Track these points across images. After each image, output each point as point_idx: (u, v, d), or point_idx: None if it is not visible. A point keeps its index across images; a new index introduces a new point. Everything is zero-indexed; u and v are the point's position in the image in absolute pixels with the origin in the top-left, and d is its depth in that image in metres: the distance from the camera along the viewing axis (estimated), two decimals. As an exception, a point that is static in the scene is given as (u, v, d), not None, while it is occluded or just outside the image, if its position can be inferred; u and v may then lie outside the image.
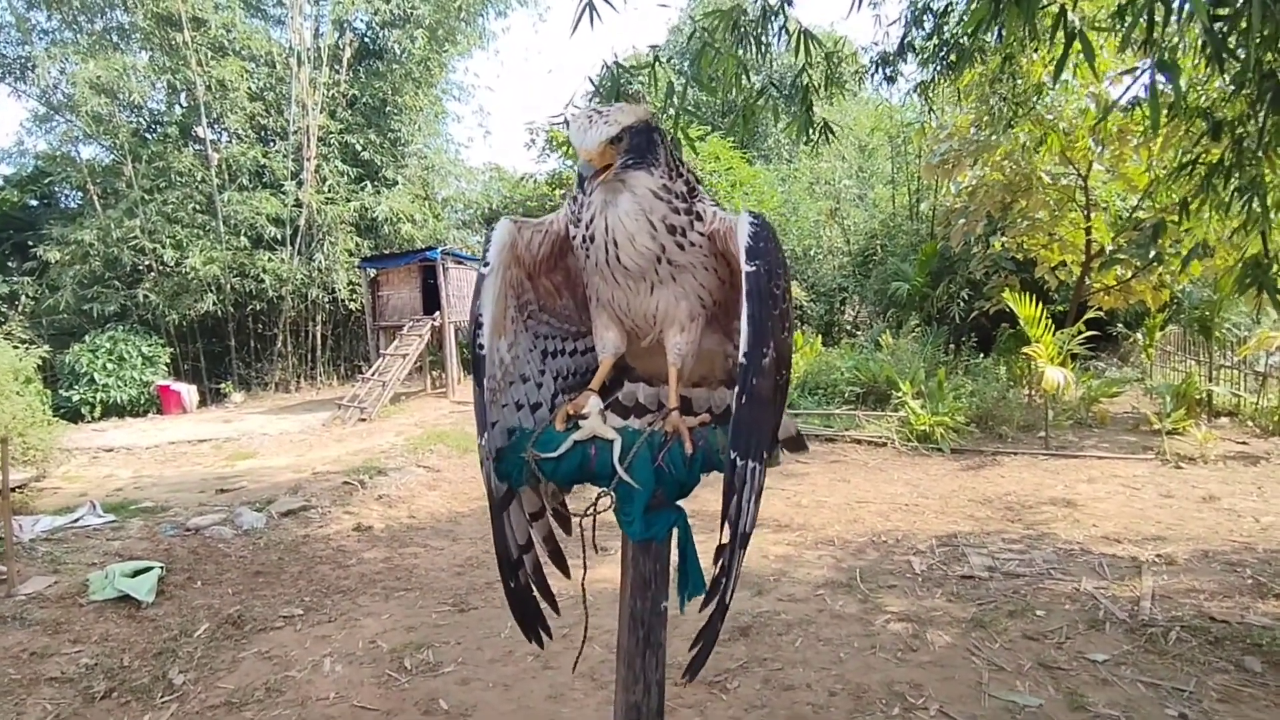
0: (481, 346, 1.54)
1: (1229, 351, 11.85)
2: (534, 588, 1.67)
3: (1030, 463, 8.99)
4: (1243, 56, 2.99)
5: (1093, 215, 12.49)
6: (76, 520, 6.78)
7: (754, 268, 1.38)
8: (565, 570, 1.75)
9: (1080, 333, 11.11)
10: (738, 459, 1.33)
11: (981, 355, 13.55)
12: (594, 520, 1.48)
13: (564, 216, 1.60)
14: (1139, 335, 14.40)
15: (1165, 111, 4.77)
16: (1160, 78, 3.01)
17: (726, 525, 1.39)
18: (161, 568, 5.48)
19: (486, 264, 1.56)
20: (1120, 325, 15.25)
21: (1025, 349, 10.56)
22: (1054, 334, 10.55)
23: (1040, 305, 10.75)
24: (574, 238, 1.55)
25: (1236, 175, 4.27)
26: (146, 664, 4.26)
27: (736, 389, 1.35)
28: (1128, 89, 5.25)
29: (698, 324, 1.60)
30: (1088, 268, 12.73)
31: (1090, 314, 12.08)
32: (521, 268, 1.65)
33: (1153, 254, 4.95)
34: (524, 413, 1.69)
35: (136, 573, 5.30)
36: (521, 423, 1.67)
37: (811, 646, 4.23)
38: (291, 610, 5.03)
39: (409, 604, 5.17)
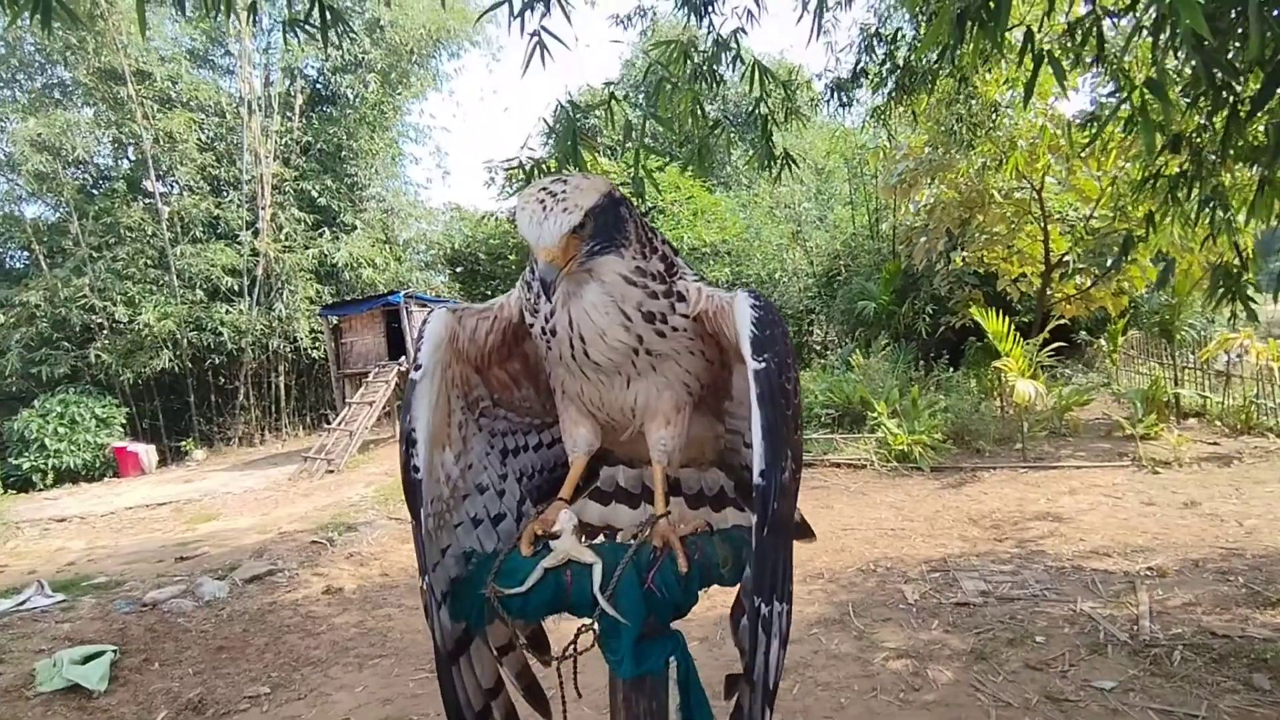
0: (416, 470, 1.25)
1: (1190, 353, 12.06)
2: None
3: (1011, 476, 8.95)
4: (1213, 73, 2.96)
5: (1049, 226, 12.72)
6: (23, 603, 6.34)
7: (763, 364, 1.14)
8: (546, 713, 1.47)
9: (1047, 342, 11.22)
10: (762, 605, 1.10)
11: (951, 369, 13.62)
12: (574, 661, 1.27)
13: (516, 300, 1.38)
14: (1102, 341, 14.63)
15: (1122, 125, 4.75)
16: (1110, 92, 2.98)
17: (745, 685, 1.18)
18: (115, 651, 5.11)
19: (418, 366, 1.30)
20: (1083, 332, 15.47)
21: (995, 363, 10.62)
22: (1022, 345, 10.64)
23: (1006, 318, 10.85)
24: (531, 327, 1.34)
25: (1198, 186, 4.29)
26: (98, 764, 3.92)
27: (756, 519, 1.11)
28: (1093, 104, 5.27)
29: (684, 414, 1.39)
30: (1048, 278, 12.93)
31: (1053, 323, 12.24)
32: (465, 363, 1.42)
33: (1124, 261, 4.95)
34: (484, 529, 1.44)
35: (87, 658, 4.92)
36: (482, 542, 1.42)
37: (810, 693, 4.05)
38: (257, 689, 4.71)
39: (384, 673, 4.87)
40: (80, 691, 4.61)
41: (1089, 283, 12.98)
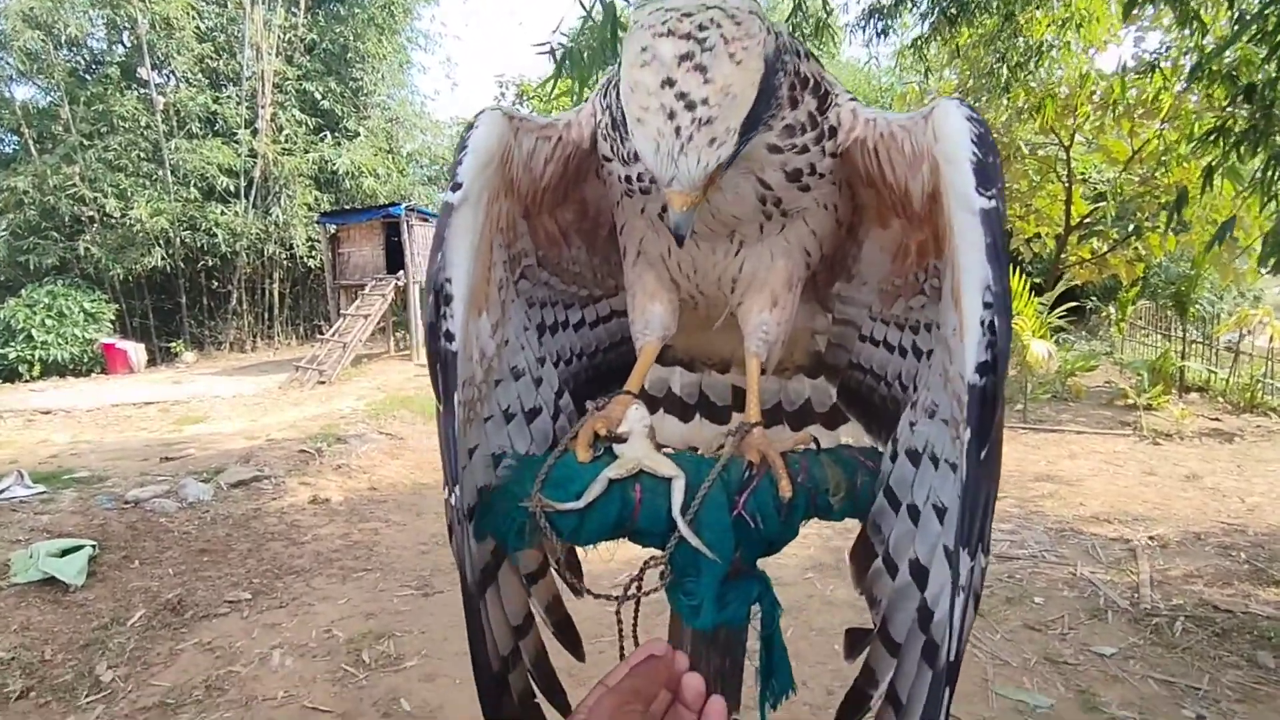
0: (450, 336, 0.89)
1: (1199, 327, 11.87)
2: (538, 690, 1.06)
3: (1010, 436, 8.84)
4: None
5: (1073, 187, 12.34)
6: (1, 492, 6.22)
7: (991, 201, 0.78)
8: (578, 651, 1.14)
9: (1058, 303, 11.01)
10: (965, 555, 0.79)
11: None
12: (637, 605, 0.98)
13: (588, 120, 1.01)
14: (1110, 309, 14.42)
15: (1185, 75, 4.40)
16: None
17: (878, 643, 0.93)
18: (93, 546, 5.00)
19: (458, 186, 0.90)
20: (1093, 298, 15.24)
21: (1005, 320, 10.41)
22: (1034, 305, 10.42)
23: (1022, 277, 10.59)
24: (606, 171, 1.00)
25: (1265, 144, 4.00)
26: (71, 657, 3.83)
27: (968, 434, 0.77)
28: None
29: (795, 294, 1.08)
30: (1065, 240, 12.62)
31: (1063, 286, 11.99)
32: (516, 199, 1.04)
33: (1176, 217, 4.69)
34: (516, 426, 1.08)
35: (65, 552, 4.80)
36: (512, 441, 1.07)
37: (804, 637, 3.96)
38: (238, 594, 4.61)
39: (368, 586, 4.78)
40: (56, 585, 4.50)
41: (1105, 248, 12.69)
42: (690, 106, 0.75)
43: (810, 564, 4.98)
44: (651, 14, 0.79)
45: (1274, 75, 4.12)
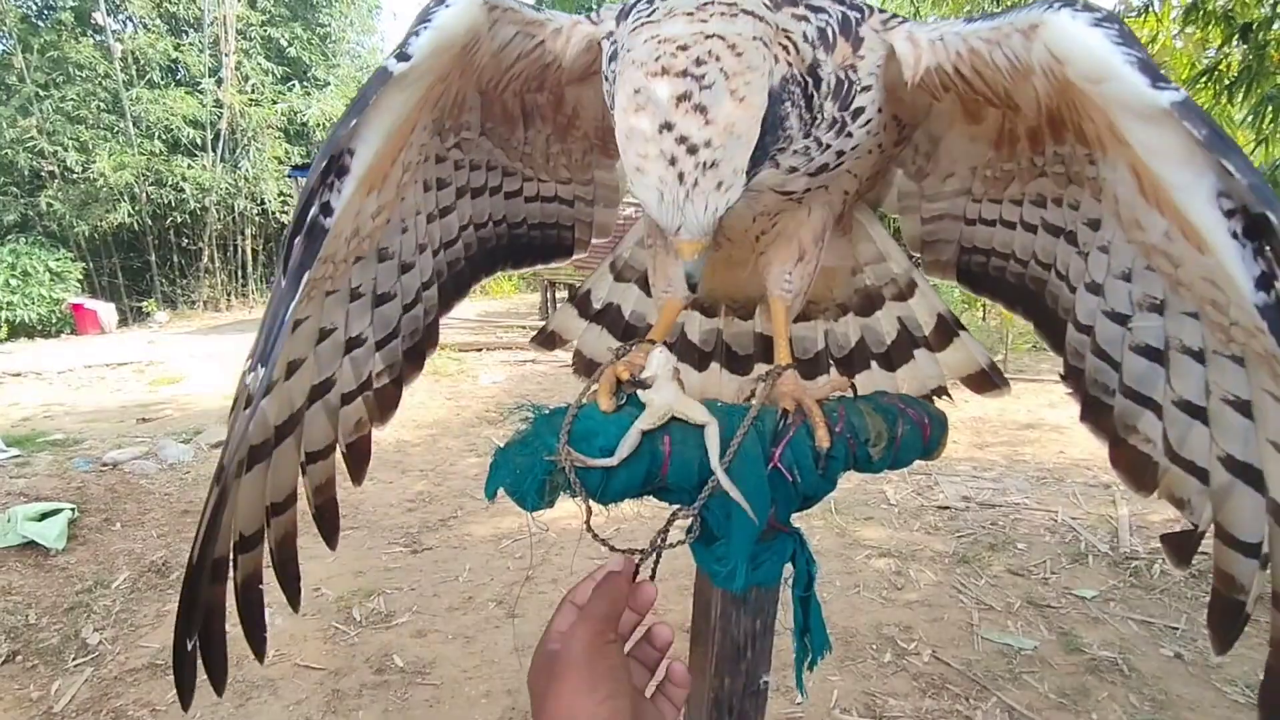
0: (330, 210, 0.80)
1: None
2: (274, 566, 1.04)
3: (991, 386, 8.94)
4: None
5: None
6: (-26, 455, 6.09)
7: (1177, 93, 0.65)
8: (333, 539, 1.11)
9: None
10: None
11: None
12: (658, 559, 0.91)
13: (578, 39, 0.94)
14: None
15: (1181, 13, 4.33)
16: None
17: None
18: (73, 509, 4.91)
19: (405, 58, 0.80)
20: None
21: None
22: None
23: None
24: (610, 108, 0.88)
25: (1258, 86, 3.95)
26: (56, 621, 3.78)
27: None
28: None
29: (824, 242, 1.02)
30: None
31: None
32: (473, 81, 0.95)
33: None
34: (359, 306, 1.01)
35: (43, 515, 4.72)
36: (348, 323, 1.00)
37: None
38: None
39: (356, 545, 4.75)
40: (37, 549, 4.43)
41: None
42: (692, 150, 0.69)
43: (796, 514, 5.03)
44: (644, 45, 0.72)
45: (1268, 15, 4.05)
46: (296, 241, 0.80)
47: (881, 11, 0.88)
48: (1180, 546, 0.91)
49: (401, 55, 0.80)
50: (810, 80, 0.80)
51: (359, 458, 1.11)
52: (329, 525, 1.10)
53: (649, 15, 0.76)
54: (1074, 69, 0.71)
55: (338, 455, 1.10)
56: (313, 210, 0.80)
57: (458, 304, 1.19)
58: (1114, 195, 0.84)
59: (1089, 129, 0.80)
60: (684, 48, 0.69)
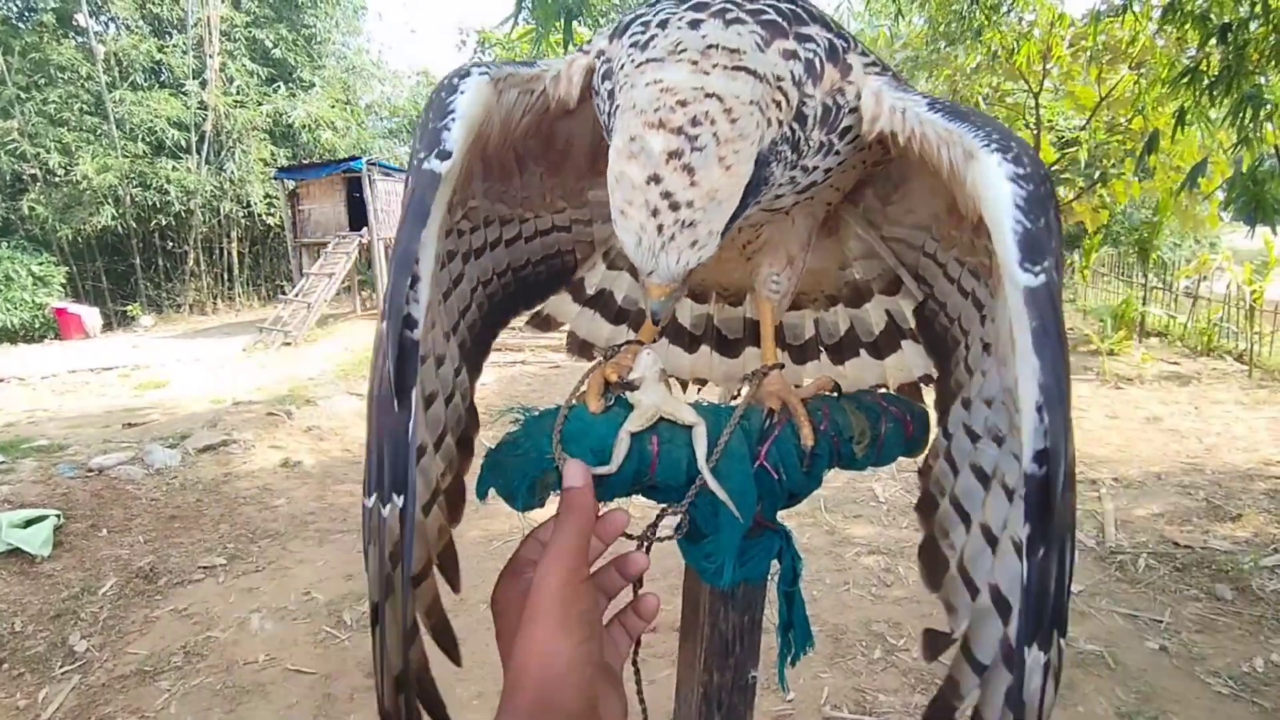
0: (414, 323, 0.77)
1: (1160, 273, 12.13)
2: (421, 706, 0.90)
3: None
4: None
5: (1041, 135, 12.35)
6: (-43, 462, 6.02)
7: (1036, 278, 0.69)
8: (455, 655, 0.95)
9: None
10: (1037, 648, 0.72)
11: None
12: (647, 552, 0.90)
13: (578, 73, 0.93)
14: (1074, 256, 14.64)
15: (1159, 13, 4.37)
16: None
17: (963, 658, 0.85)
18: (58, 515, 4.87)
19: (446, 155, 0.78)
20: (1057, 246, 15.44)
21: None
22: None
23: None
24: (610, 136, 0.83)
25: (1237, 86, 4.00)
26: (43, 628, 3.76)
27: (1027, 530, 0.70)
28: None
29: (810, 243, 1.05)
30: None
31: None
32: (477, 153, 0.93)
33: (1147, 159, 4.70)
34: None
35: (29, 522, 4.68)
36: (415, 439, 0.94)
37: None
38: (212, 559, 4.55)
39: (346, 548, 4.74)
40: (22, 555, 4.39)
41: (1072, 195, 12.78)
42: (674, 207, 0.71)
43: (784, 512, 5.05)
44: (646, 89, 0.73)
45: (1245, 16, 4.11)
46: (397, 360, 0.77)
47: (865, 54, 0.88)
48: (932, 644, 0.95)
49: (441, 154, 0.79)
50: (797, 126, 0.81)
51: (451, 565, 1.01)
52: (447, 640, 0.98)
53: (648, 41, 0.77)
54: (984, 206, 0.75)
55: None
56: (403, 329, 0.77)
57: (483, 368, 1.13)
58: (996, 328, 0.87)
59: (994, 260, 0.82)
60: (683, 103, 0.71)
